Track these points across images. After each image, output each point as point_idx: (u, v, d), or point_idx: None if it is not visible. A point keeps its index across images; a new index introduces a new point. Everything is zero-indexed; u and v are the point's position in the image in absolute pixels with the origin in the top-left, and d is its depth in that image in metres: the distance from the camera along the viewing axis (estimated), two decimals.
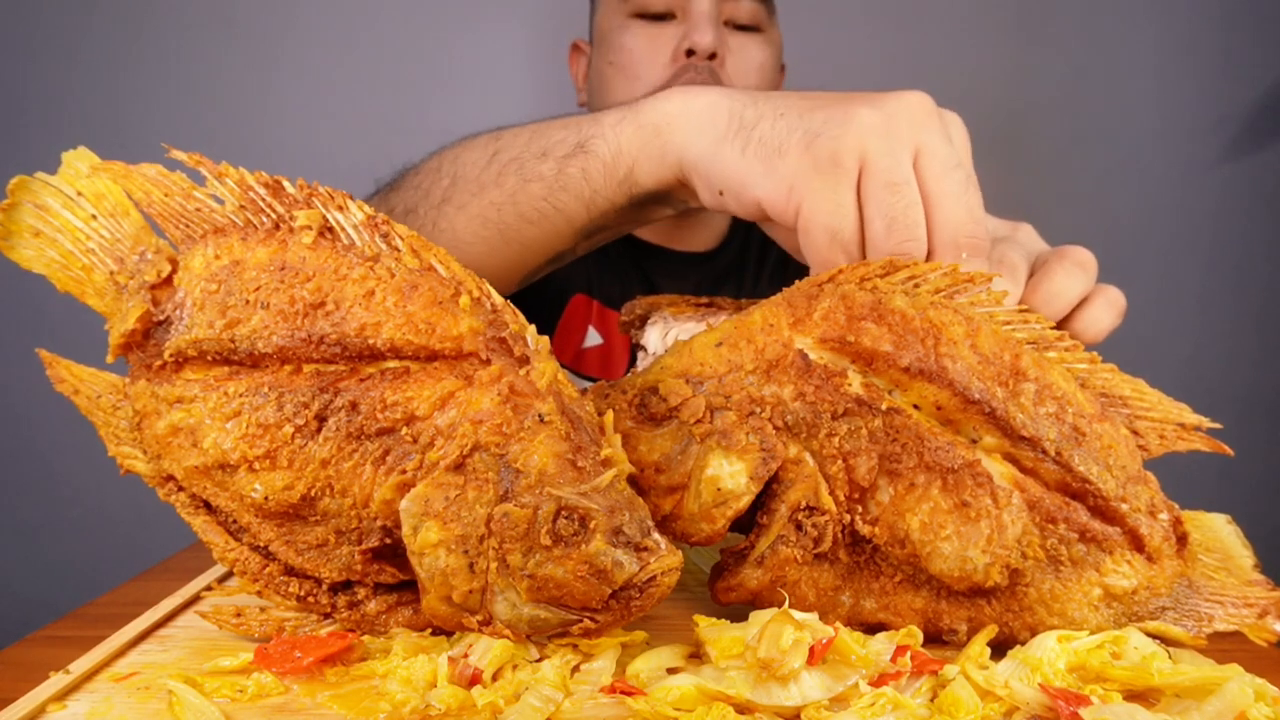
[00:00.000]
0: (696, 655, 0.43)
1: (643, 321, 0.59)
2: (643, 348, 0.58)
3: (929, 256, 0.50)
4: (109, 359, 0.47)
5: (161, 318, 0.46)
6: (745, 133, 0.52)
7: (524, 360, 0.43)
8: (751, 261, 1.16)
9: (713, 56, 0.97)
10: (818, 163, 0.49)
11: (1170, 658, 0.43)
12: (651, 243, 1.13)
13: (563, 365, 0.47)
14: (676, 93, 0.57)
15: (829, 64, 1.47)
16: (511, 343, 0.43)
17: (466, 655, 0.41)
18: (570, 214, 0.62)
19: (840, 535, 0.45)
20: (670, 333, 0.57)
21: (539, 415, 0.42)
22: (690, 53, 0.97)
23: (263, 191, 0.46)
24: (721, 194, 0.54)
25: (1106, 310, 0.54)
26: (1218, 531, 0.50)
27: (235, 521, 0.45)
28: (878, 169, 0.48)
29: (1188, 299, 1.53)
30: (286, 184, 0.46)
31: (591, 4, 1.12)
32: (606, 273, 1.10)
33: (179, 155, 0.46)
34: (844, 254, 0.50)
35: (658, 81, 0.99)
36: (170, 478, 0.46)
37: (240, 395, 0.43)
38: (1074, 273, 0.53)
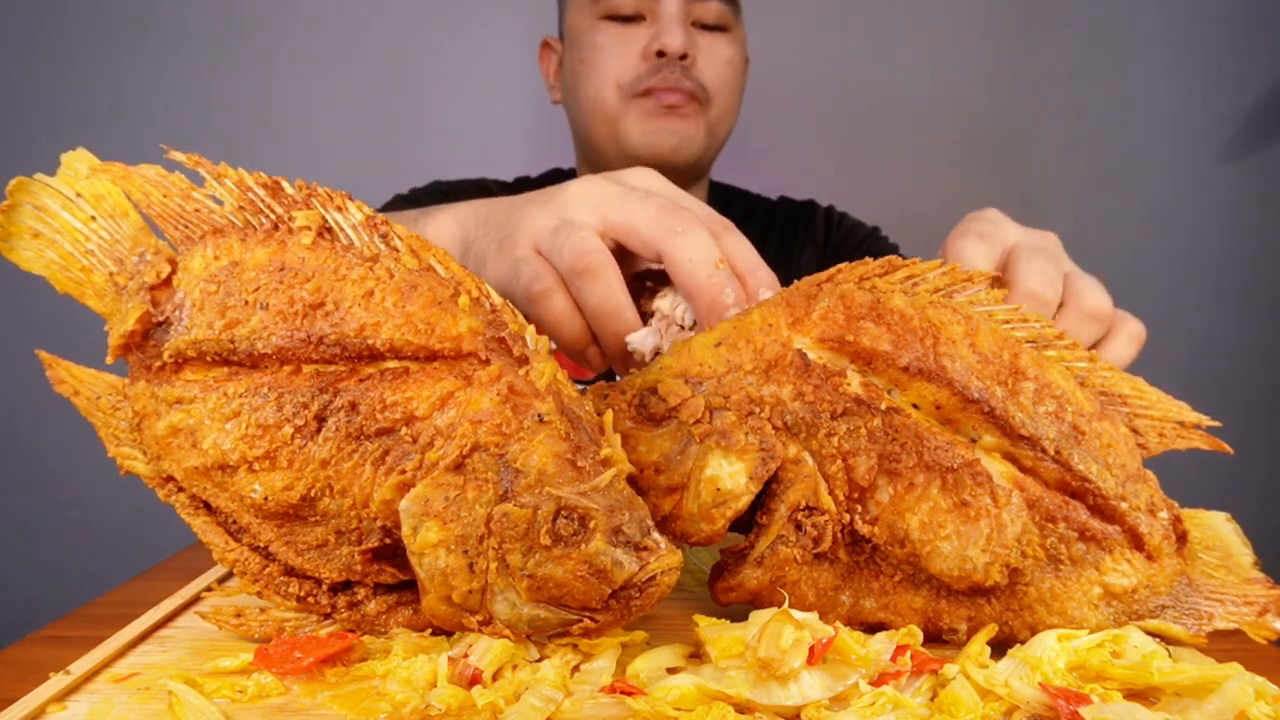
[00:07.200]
0: (696, 655, 0.43)
1: (653, 294, 0.59)
2: (653, 314, 0.58)
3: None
4: (108, 360, 0.47)
5: (161, 319, 0.46)
6: (467, 250, 0.64)
7: (523, 360, 0.43)
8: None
9: (684, 57, 1.03)
10: (503, 259, 0.60)
11: (1170, 656, 0.43)
12: None
13: None
14: (431, 221, 0.67)
15: (831, 64, 1.47)
16: (511, 343, 0.43)
17: (466, 655, 0.41)
18: None
19: (840, 535, 0.45)
20: (680, 307, 0.57)
21: (538, 415, 0.42)
22: (661, 54, 1.02)
23: (261, 192, 0.46)
24: None
25: (1128, 344, 0.59)
26: (1217, 529, 0.50)
27: (235, 522, 0.45)
28: (550, 250, 0.57)
29: (1188, 298, 1.53)
30: (285, 184, 0.46)
31: (560, 3, 1.16)
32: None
33: (178, 156, 0.46)
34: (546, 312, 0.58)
35: (628, 78, 1.04)
36: (170, 478, 0.46)
37: (240, 396, 0.43)
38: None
